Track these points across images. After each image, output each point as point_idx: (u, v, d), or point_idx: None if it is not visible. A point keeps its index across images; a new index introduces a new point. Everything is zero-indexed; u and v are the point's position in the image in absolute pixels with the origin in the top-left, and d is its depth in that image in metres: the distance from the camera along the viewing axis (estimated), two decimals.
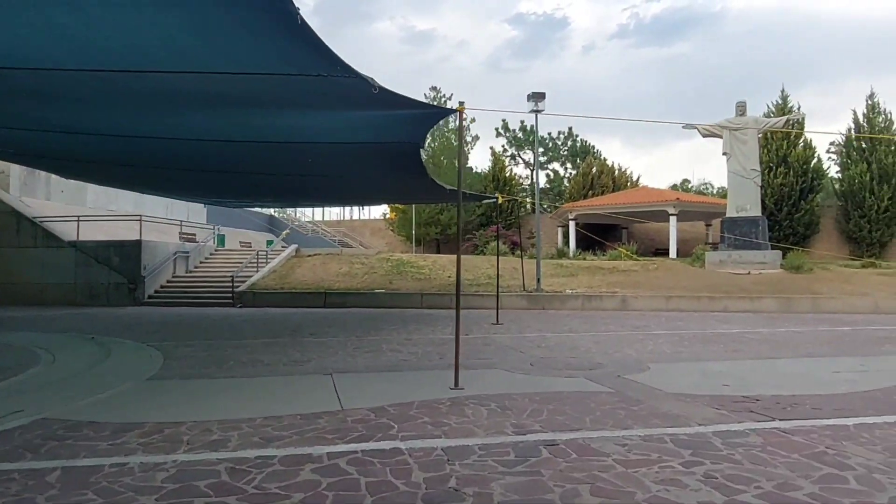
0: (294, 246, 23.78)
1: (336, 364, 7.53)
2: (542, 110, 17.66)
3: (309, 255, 22.12)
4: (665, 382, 6.31)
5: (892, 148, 31.62)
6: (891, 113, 32.75)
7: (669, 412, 4.99)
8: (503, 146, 45.49)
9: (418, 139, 7.13)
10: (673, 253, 27.73)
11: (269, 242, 31.23)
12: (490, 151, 38.96)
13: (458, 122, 6.02)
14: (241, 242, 28.05)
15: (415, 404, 5.22)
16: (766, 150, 31.80)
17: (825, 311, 16.33)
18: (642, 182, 40.87)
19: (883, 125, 32.46)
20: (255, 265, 20.66)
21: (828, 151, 47.70)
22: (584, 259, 23.17)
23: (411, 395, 5.58)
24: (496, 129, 45.74)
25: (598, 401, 5.42)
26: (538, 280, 17.59)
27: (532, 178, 18.62)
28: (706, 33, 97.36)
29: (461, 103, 5.99)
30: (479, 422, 4.65)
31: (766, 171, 30.93)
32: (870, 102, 32.78)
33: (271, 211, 40.05)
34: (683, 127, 23.28)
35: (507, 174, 38.30)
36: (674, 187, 60.26)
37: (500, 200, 12.95)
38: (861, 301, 17.02)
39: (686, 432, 4.36)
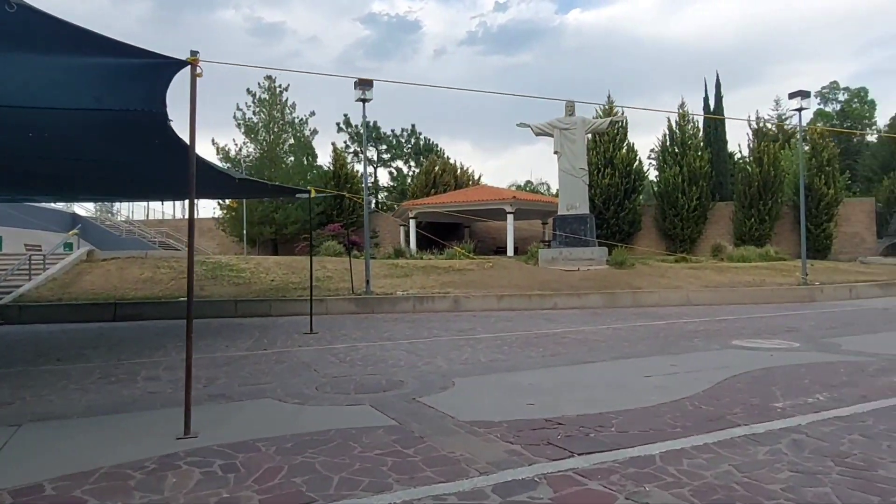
0: (85, 248, 20.29)
1: (49, 406, 5.61)
2: (370, 99, 16.44)
3: (104, 260, 18.90)
4: (463, 405, 5.28)
5: (699, 153, 34.75)
6: (698, 121, 36.07)
7: (451, 455, 3.89)
8: (345, 142, 43.82)
9: (156, 107, 5.45)
10: (510, 251, 28.00)
11: (68, 245, 26.84)
12: (332, 147, 37.16)
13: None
14: (26, 245, 23.62)
15: (97, 473, 3.61)
16: (594, 152, 33.46)
17: (644, 304, 16.86)
18: (485, 182, 41.45)
19: (692, 132, 35.63)
20: (28, 272, 17.13)
21: (648, 157, 52.30)
22: (422, 259, 22.36)
23: (111, 455, 3.95)
24: (337, 125, 43.93)
25: (367, 443, 4.19)
26: (367, 282, 16.33)
27: (365, 171, 17.27)
28: (546, 45, 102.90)
29: (194, 53, 4.46)
30: (174, 502, 3.19)
31: (594, 172, 32.50)
32: (681, 111, 35.82)
33: (74, 208, 34.80)
34: (517, 125, 23.34)
35: (349, 171, 36.75)
36: (519, 188, 62.52)
37: (312, 194, 11.42)
38: (675, 294, 17.86)
39: (458, 490, 3.25)
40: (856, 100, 64.11)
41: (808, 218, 27.06)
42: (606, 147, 33.77)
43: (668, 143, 35.66)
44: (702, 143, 36.03)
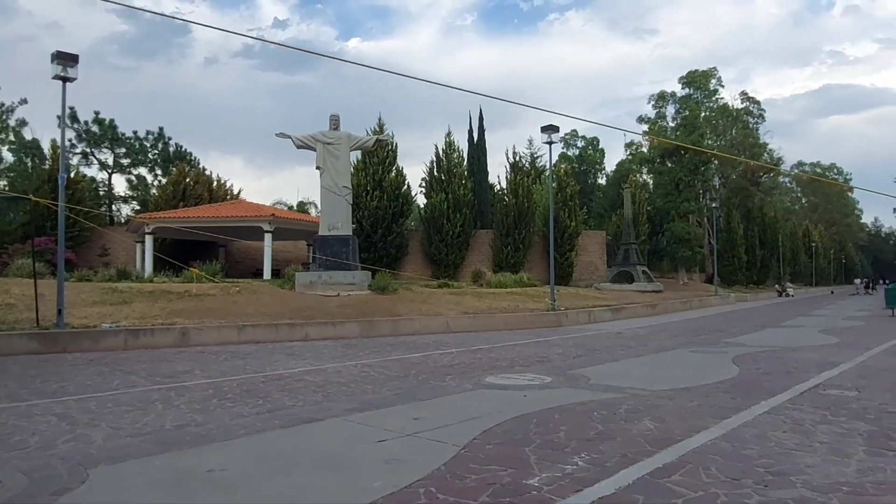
0: None
1: None
2: (74, 78, 12.97)
3: None
4: None
5: (464, 182, 35.99)
6: (463, 151, 37.45)
7: None
8: (72, 140, 36.71)
9: None
10: (267, 273, 25.34)
11: None
12: (50, 144, 30.51)
13: None
14: None
15: None
16: (363, 173, 32.50)
17: (404, 332, 15.81)
18: (250, 199, 37.98)
19: (457, 160, 36.82)
20: None
21: (420, 186, 53.70)
22: (152, 282, 18.69)
23: None
24: (57, 118, 36.68)
25: None
26: (59, 311, 12.60)
27: (63, 155, 13.45)
28: (327, 69, 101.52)
29: None
30: None
31: (362, 194, 31.48)
32: (448, 140, 36.86)
33: None
34: (277, 135, 21.13)
35: (75, 175, 30.53)
36: (290, 208, 59.24)
37: (35, 202, 7.92)
38: (435, 321, 17.20)
39: None
40: (590, 147, 74.17)
41: (554, 247, 29.27)
42: (376, 169, 33.10)
43: (435, 170, 36.34)
44: (466, 172, 37.46)
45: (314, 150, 21.01)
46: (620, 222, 41.19)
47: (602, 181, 68.71)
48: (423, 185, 36.47)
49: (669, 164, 46.03)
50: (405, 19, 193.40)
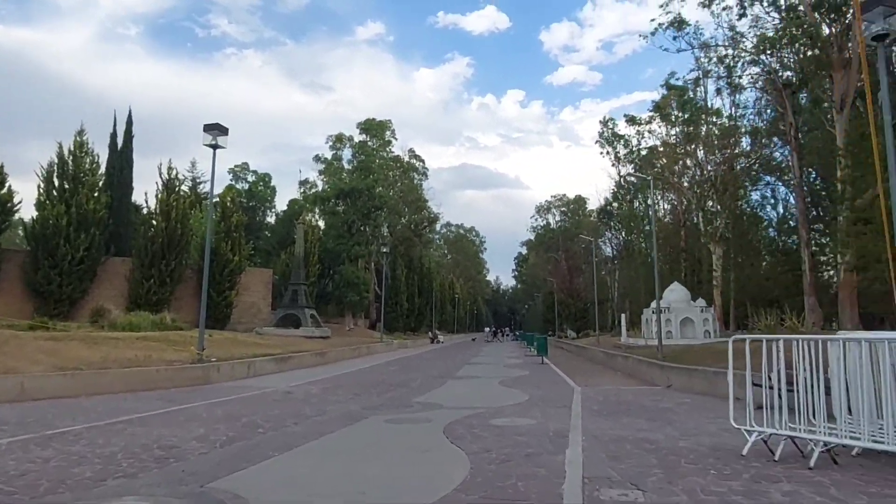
0: None
1: None
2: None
3: None
4: None
5: (96, 194, 28.20)
6: (98, 155, 29.51)
7: None
8: None
9: None
10: None
11: None
12: None
13: None
14: None
15: None
16: None
17: None
18: None
19: (89, 166, 28.75)
20: None
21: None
22: None
23: None
24: None
25: None
26: None
27: None
28: None
29: None
30: None
31: None
32: (78, 140, 28.63)
33: None
34: None
35: None
36: None
37: None
38: (5, 382, 10.94)
39: None
40: (262, 183, 69.83)
41: (211, 284, 24.22)
42: None
43: (55, 176, 27.63)
44: (101, 184, 29.55)
45: None
46: (290, 261, 37.94)
47: (272, 220, 64.91)
48: (39, 194, 27.37)
49: (343, 206, 45.04)
50: (51, 11, 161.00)
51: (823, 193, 33.29)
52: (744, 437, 6.68)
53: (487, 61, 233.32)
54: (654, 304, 27.18)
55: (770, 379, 6.82)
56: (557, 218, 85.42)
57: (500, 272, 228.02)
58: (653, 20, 33.17)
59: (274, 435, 7.70)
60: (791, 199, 42.12)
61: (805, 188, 30.05)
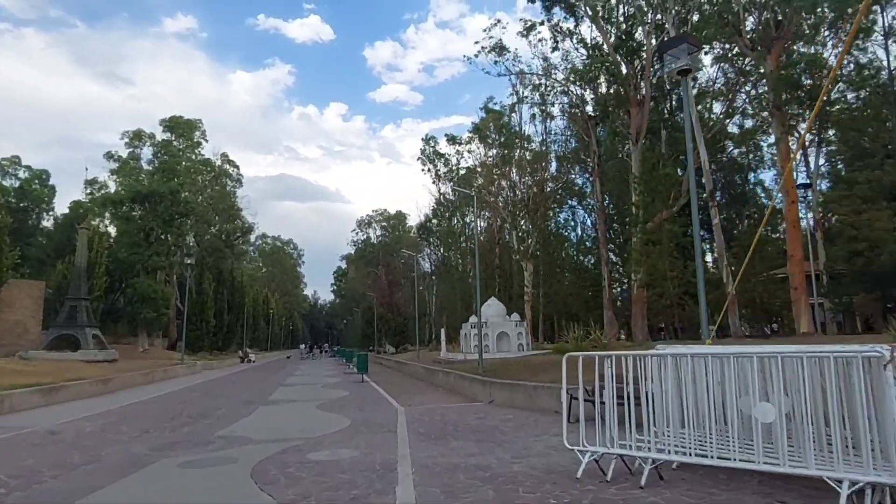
0: None
1: None
2: None
3: None
4: None
5: None
6: None
7: None
8: None
9: None
10: None
11: None
12: None
13: None
14: None
15: None
16: None
17: None
18: None
19: None
20: None
21: None
22: None
23: None
24: None
25: None
26: None
27: None
28: None
29: None
30: None
31: None
32: None
33: None
34: None
35: None
36: None
37: None
38: None
39: None
40: (37, 181, 59.83)
41: None
42: None
43: None
44: None
45: None
46: (69, 272, 32.52)
47: (49, 224, 55.76)
48: None
49: (140, 211, 39.95)
50: None
51: (616, 216, 37.16)
52: (573, 456, 6.47)
53: (310, 71, 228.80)
54: (472, 319, 27.80)
55: (602, 395, 6.71)
56: (378, 232, 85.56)
57: (319, 286, 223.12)
58: (476, 42, 34.69)
59: (18, 498, 5.83)
60: (588, 221, 46.74)
61: (604, 211, 33.10)
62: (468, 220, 54.09)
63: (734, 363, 5.85)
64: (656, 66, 27.45)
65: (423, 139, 53.95)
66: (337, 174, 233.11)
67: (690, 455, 5.83)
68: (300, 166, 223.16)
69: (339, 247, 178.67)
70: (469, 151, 45.10)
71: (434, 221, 57.43)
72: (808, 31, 21.69)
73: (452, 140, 46.47)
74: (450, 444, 8.48)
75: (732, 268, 21.56)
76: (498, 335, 26.45)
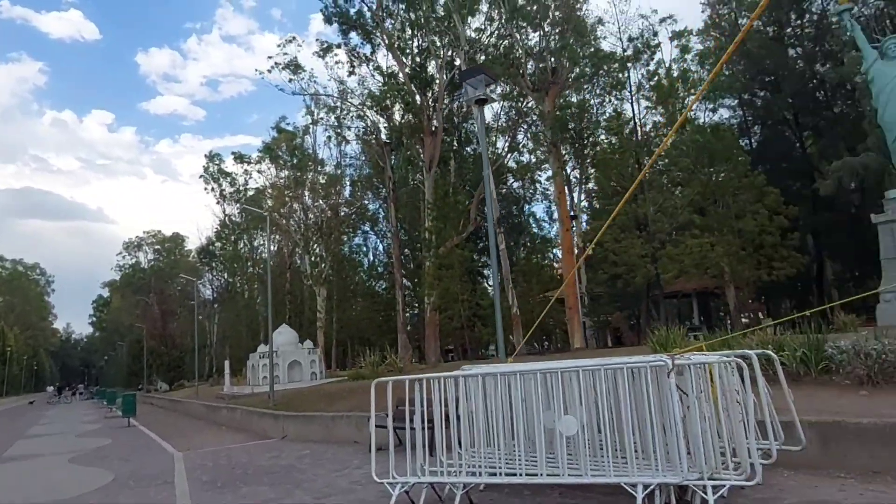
0: None
1: None
2: None
3: None
4: None
5: None
6: None
7: None
8: None
9: None
10: None
11: None
12: None
13: None
14: None
15: None
16: None
17: None
18: None
19: None
20: None
21: None
22: None
23: None
24: None
25: None
26: None
27: None
28: None
29: None
30: None
31: None
32: None
33: None
34: None
35: None
36: None
37: None
38: None
39: None
40: None
41: None
42: None
43: None
44: None
45: None
46: None
47: None
48: None
49: None
50: None
51: (408, 242, 38.12)
52: (382, 489, 6.05)
53: (68, 72, 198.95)
54: (261, 348, 25.99)
55: (412, 421, 6.40)
56: (150, 256, 76.73)
57: (74, 318, 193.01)
58: (270, 58, 33.05)
59: None
60: (381, 247, 47.31)
61: (399, 237, 33.68)
62: (256, 244, 51.21)
63: (540, 379, 5.97)
64: (447, 101, 28.99)
65: (206, 156, 49.99)
66: (99, 190, 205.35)
67: (500, 475, 5.77)
68: (52, 179, 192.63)
69: (100, 273, 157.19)
70: (259, 171, 42.83)
71: (218, 244, 53.23)
72: (576, 81, 24.78)
73: (240, 158, 43.71)
74: (240, 492, 7.46)
75: (514, 290, 23.34)
76: (290, 364, 25.06)
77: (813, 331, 8.88)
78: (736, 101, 31.39)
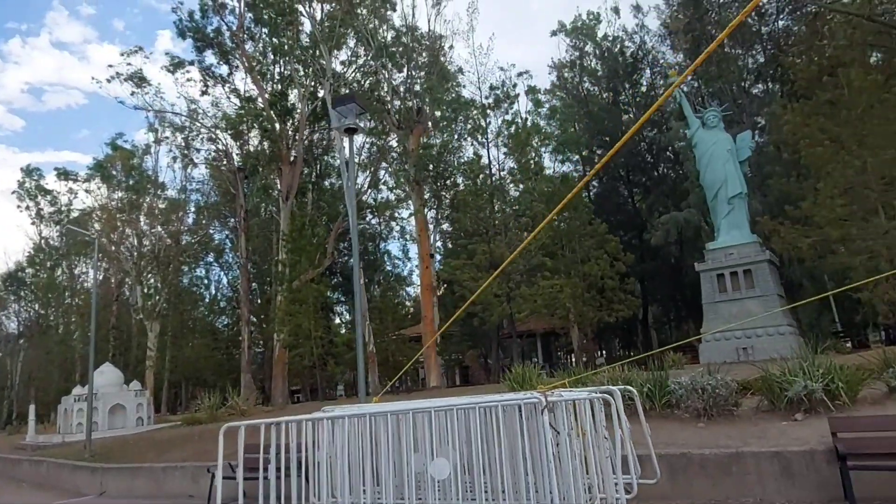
0: None
1: None
2: None
3: None
4: None
5: None
6: None
7: None
8: None
9: None
10: None
11: None
12: None
13: None
14: None
15: None
16: None
17: None
18: None
19: None
20: None
21: None
22: None
23: None
24: None
25: None
26: None
27: None
28: None
29: None
30: None
31: None
32: None
33: None
34: None
35: None
36: None
37: None
38: None
39: None
40: None
41: None
42: None
43: None
44: None
45: None
46: None
47: None
48: None
49: None
50: None
51: (256, 275, 36.03)
52: None
53: None
54: (76, 391, 22.70)
55: (265, 470, 5.71)
56: None
57: None
58: (111, 66, 29.93)
59: None
60: (225, 280, 44.20)
61: (248, 269, 31.70)
62: (78, 272, 45.42)
63: (412, 419, 5.64)
64: (307, 132, 28.20)
65: (23, 170, 43.85)
66: None
67: None
68: None
69: None
70: (87, 191, 38.20)
71: (30, 271, 46.41)
72: (439, 123, 25.42)
73: (65, 175, 38.76)
74: None
75: (371, 326, 22.81)
76: (112, 408, 22.11)
77: (655, 368, 9.55)
78: (577, 157, 34.24)
